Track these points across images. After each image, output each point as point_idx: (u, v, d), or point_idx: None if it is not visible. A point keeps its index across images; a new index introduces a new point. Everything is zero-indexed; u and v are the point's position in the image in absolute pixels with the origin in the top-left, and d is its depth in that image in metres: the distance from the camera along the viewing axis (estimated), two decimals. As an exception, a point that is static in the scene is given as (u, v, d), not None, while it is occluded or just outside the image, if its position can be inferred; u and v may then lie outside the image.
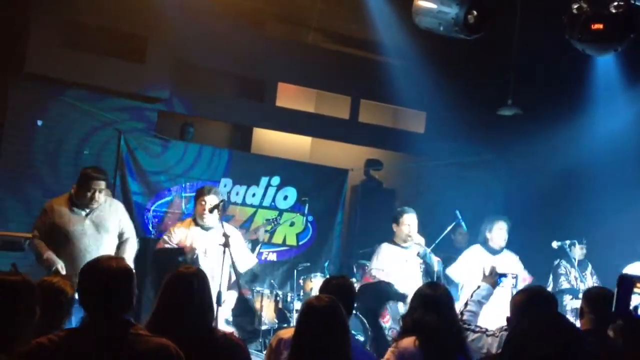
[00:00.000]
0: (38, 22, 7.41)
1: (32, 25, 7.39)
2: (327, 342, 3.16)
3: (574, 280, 7.66)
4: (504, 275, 5.03)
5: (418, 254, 6.17)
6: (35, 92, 7.65)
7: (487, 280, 4.63)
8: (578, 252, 7.73)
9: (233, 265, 5.59)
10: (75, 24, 7.62)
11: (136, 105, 8.26)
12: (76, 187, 5.73)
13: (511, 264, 6.58)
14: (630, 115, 8.51)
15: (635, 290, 2.51)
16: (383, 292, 5.84)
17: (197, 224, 6.08)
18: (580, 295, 6.93)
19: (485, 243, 6.66)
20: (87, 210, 5.65)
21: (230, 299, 6.24)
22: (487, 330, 4.02)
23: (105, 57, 7.77)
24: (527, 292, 3.75)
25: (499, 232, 6.64)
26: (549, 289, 7.64)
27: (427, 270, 6.16)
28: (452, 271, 6.62)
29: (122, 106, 8.18)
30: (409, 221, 6.21)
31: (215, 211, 5.96)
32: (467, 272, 6.43)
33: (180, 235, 6.07)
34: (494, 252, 6.57)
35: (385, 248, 6.23)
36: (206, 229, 6.00)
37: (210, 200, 6.02)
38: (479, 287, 4.57)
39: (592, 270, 7.88)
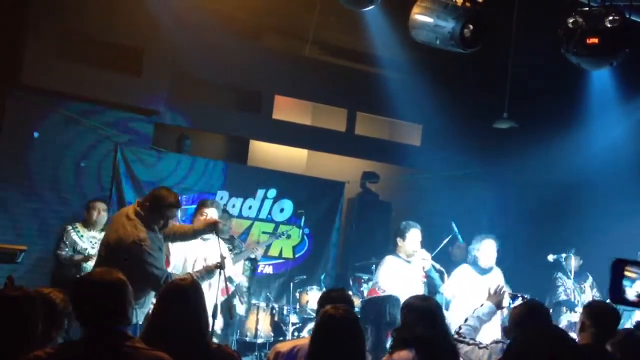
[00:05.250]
0: (35, 34, 7.42)
1: (29, 37, 7.40)
2: (346, 351, 3.16)
3: (572, 293, 7.65)
4: (516, 297, 5.07)
5: (423, 268, 6.16)
6: (31, 103, 7.65)
7: (491, 299, 4.65)
8: (574, 263, 7.71)
9: (226, 287, 5.57)
10: (72, 36, 7.64)
11: (133, 118, 8.26)
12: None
13: (500, 282, 6.56)
14: (625, 129, 8.56)
15: (627, 274, 2.50)
16: (393, 306, 5.79)
17: None
18: (578, 309, 6.96)
19: (474, 263, 6.49)
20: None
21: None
22: (480, 343, 4.06)
23: (102, 70, 7.78)
24: (525, 306, 3.78)
25: (487, 250, 6.45)
26: (547, 301, 7.65)
27: (430, 284, 6.15)
28: (447, 291, 6.57)
29: (119, 118, 8.18)
30: (415, 236, 6.19)
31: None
32: (456, 290, 6.35)
33: (180, 243, 6.06)
34: (483, 271, 6.42)
35: (390, 260, 6.21)
36: (205, 239, 6.00)
37: (211, 213, 6.03)
38: (482, 305, 4.59)
39: (593, 282, 7.85)
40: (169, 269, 5.87)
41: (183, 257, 6.02)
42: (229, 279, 6.29)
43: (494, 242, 6.48)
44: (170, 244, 6.01)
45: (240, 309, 7.48)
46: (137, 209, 5.15)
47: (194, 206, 8.23)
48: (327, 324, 3.22)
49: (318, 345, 3.21)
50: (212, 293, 5.52)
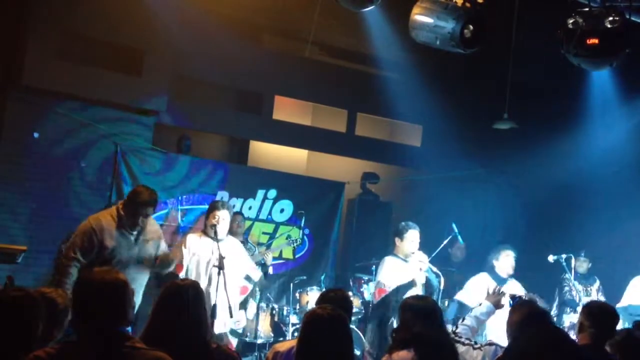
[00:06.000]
0: (36, 35, 7.42)
1: (30, 38, 7.41)
2: (334, 351, 3.15)
3: (576, 295, 7.67)
4: (516, 297, 5.06)
5: (420, 270, 6.18)
6: (32, 104, 7.65)
7: (489, 299, 4.66)
8: (583, 266, 7.76)
9: (225, 288, 5.57)
10: (73, 36, 7.64)
11: (133, 118, 8.26)
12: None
13: (517, 291, 6.57)
14: (626, 129, 8.56)
15: None
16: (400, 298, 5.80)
17: (207, 235, 6.10)
18: (579, 309, 6.97)
19: (492, 271, 6.56)
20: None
21: (242, 318, 6.35)
22: (475, 343, 4.07)
23: (103, 70, 7.79)
24: (525, 308, 3.78)
25: (505, 260, 6.54)
26: (556, 301, 7.68)
27: (427, 285, 6.16)
28: (462, 297, 6.61)
29: (119, 119, 8.18)
30: (413, 237, 6.21)
31: (222, 225, 6.00)
32: (475, 297, 6.32)
33: (194, 243, 6.09)
34: (500, 280, 6.42)
35: (389, 261, 6.23)
36: (218, 240, 6.02)
37: (223, 215, 6.03)
38: (480, 304, 4.59)
39: (600, 287, 7.85)
40: (182, 274, 5.89)
41: (196, 260, 6.04)
42: (247, 278, 6.33)
43: (513, 253, 6.56)
44: (184, 250, 6.05)
45: (250, 312, 7.50)
46: (118, 206, 5.46)
47: (194, 207, 8.25)
48: (314, 324, 3.22)
49: (305, 346, 3.21)
50: (212, 293, 5.54)
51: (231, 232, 7.36)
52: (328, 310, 3.25)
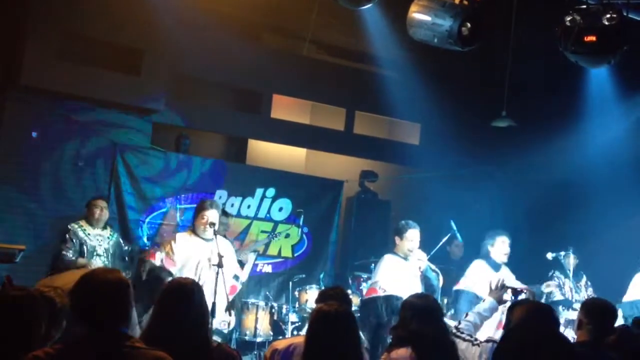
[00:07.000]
0: (35, 35, 7.41)
1: (30, 38, 7.39)
2: (342, 346, 3.17)
3: (569, 292, 7.67)
4: (519, 292, 5.06)
5: (419, 268, 6.19)
6: (30, 104, 7.64)
7: (492, 294, 4.65)
8: (572, 262, 7.74)
9: (225, 287, 5.58)
10: (72, 36, 7.63)
11: (131, 117, 8.26)
12: None
13: (510, 278, 6.56)
14: (624, 127, 8.56)
15: None
16: (393, 306, 5.79)
17: (197, 235, 6.10)
18: (576, 306, 6.98)
19: (487, 257, 6.54)
20: None
21: (232, 319, 6.38)
22: (475, 339, 4.07)
23: (102, 70, 7.78)
24: (527, 307, 3.75)
25: (501, 246, 6.53)
26: (544, 299, 7.66)
27: (426, 284, 6.18)
28: (465, 285, 6.55)
29: (118, 118, 8.18)
30: (413, 236, 6.21)
31: (215, 226, 6.00)
32: (477, 283, 6.31)
33: (183, 242, 6.09)
34: (495, 266, 6.49)
35: (388, 259, 6.25)
36: (207, 239, 6.02)
37: (211, 214, 6.03)
38: (483, 300, 4.59)
39: (587, 281, 7.88)
40: (174, 270, 5.90)
41: (187, 258, 6.04)
42: (235, 277, 6.34)
43: (508, 239, 6.54)
44: (173, 245, 6.04)
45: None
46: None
47: (193, 206, 8.25)
48: (321, 320, 3.24)
49: (314, 342, 3.23)
50: (212, 292, 5.54)
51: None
52: (335, 306, 3.27)
